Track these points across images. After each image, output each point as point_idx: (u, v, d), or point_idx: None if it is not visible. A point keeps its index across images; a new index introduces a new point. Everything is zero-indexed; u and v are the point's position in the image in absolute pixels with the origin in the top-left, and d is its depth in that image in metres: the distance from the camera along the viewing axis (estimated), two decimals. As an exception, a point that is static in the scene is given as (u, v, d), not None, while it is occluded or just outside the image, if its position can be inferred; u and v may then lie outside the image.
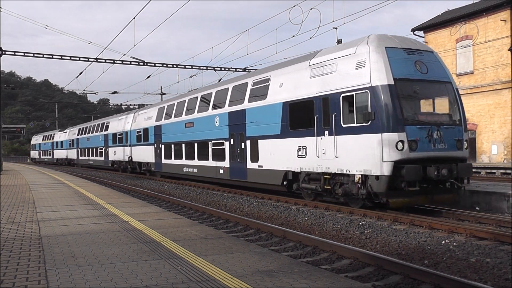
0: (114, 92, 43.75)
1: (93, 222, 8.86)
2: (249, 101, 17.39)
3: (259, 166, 16.76)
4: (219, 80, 27.50)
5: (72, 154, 53.30)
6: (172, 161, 25.03)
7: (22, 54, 28.08)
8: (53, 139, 64.13)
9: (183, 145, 23.41)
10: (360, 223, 11.26)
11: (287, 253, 8.53)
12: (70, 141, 54.34)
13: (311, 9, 19.57)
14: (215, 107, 20.14)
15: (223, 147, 19.34)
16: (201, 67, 32.06)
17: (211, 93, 20.84)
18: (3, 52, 26.90)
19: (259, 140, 16.70)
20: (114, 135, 36.64)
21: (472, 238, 9.28)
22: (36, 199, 13.35)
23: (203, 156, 21.21)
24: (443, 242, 9.12)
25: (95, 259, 5.81)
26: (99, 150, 42.04)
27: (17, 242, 7.03)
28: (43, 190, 16.66)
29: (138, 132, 30.87)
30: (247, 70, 31.48)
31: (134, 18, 23.92)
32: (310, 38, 22.86)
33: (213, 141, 20.20)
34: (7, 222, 9.00)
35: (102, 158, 41.05)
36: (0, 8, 25.39)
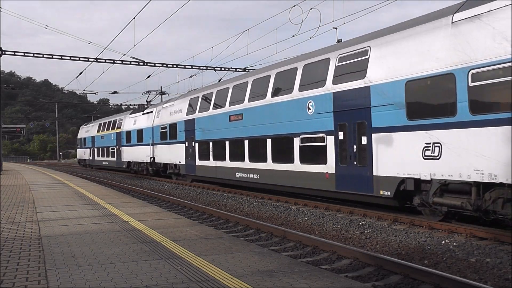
0: (114, 92, 43.72)
1: (93, 222, 8.86)
2: None
3: None
4: (219, 80, 27.30)
5: (172, 154, 25.51)
6: None
7: (22, 54, 28.09)
8: (120, 127, 35.99)
9: None
10: (360, 223, 11.26)
11: (287, 253, 8.53)
12: (163, 128, 26.89)
13: (311, 9, 19.57)
14: None
15: None
16: (201, 67, 32.06)
17: None
18: (3, 52, 26.89)
19: None
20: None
21: (472, 238, 9.28)
22: (36, 199, 13.34)
23: None
24: (443, 242, 9.12)
25: (95, 259, 5.81)
26: (281, 146, 15.92)
27: (17, 242, 7.03)
28: (43, 190, 16.66)
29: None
30: (247, 70, 31.47)
31: (134, 18, 23.92)
32: (310, 38, 22.81)
33: None
34: (7, 222, 9.00)
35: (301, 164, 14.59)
36: (0, 8, 25.38)
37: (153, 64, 30.97)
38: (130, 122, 33.95)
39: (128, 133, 34.03)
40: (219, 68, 32.00)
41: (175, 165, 25.32)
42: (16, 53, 27.84)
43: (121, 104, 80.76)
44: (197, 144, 22.20)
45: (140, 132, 31.33)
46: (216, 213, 13.48)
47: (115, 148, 37.40)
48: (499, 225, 9.64)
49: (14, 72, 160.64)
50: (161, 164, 27.82)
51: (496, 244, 8.73)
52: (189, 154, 23.19)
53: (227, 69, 32.23)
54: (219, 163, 19.94)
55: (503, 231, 9.20)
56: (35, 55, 28.43)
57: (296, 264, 5.56)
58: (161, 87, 38.75)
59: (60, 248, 6.49)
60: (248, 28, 24.89)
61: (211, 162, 20.73)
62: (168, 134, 25.99)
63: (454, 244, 8.90)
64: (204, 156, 21.49)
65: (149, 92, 37.11)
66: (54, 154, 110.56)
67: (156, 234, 7.51)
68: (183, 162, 23.97)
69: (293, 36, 22.41)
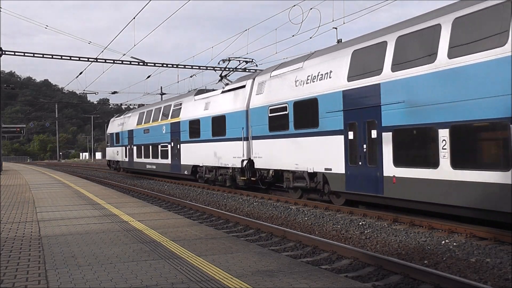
0: (114, 92, 43.80)
1: (93, 222, 8.86)
2: None
3: None
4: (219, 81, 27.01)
5: (304, 154, 14.44)
6: None
7: (22, 54, 28.09)
8: (178, 116, 24.96)
9: None
10: (360, 223, 11.26)
11: (287, 253, 8.53)
12: (275, 109, 15.89)
13: (311, 9, 19.56)
14: None
15: None
16: (201, 67, 32.07)
17: None
18: (3, 52, 26.90)
19: None
20: None
21: (472, 238, 9.28)
22: (36, 199, 13.34)
23: None
24: (443, 242, 9.12)
25: (95, 259, 5.81)
26: None
27: (17, 242, 7.03)
28: (43, 190, 16.66)
29: None
30: (247, 70, 31.48)
31: (134, 18, 23.92)
32: (310, 38, 22.82)
33: None
34: (7, 222, 9.00)
35: None
36: (0, 8, 25.39)
37: (153, 64, 30.99)
38: (198, 107, 22.47)
39: (195, 123, 22.56)
40: (219, 68, 31.99)
41: (314, 174, 14.15)
42: (16, 53, 27.84)
43: (121, 104, 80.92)
44: (388, 135, 11.33)
45: (219, 120, 19.99)
46: (216, 213, 13.48)
47: (169, 146, 25.83)
48: (499, 225, 9.63)
49: (14, 72, 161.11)
50: (268, 171, 16.74)
51: (496, 244, 8.73)
52: (363, 154, 12.05)
53: (227, 69, 32.19)
54: None
55: (503, 231, 9.20)
56: (35, 55, 28.44)
57: (296, 264, 5.56)
58: (161, 87, 38.15)
59: (60, 248, 6.49)
60: (248, 28, 24.89)
61: (445, 172, 9.89)
62: (292, 119, 14.90)
63: (454, 244, 8.91)
64: (415, 158, 10.71)
65: (227, 60, 22.39)
66: (54, 154, 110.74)
67: (156, 234, 7.51)
68: (339, 170, 12.83)
69: (293, 36, 22.41)
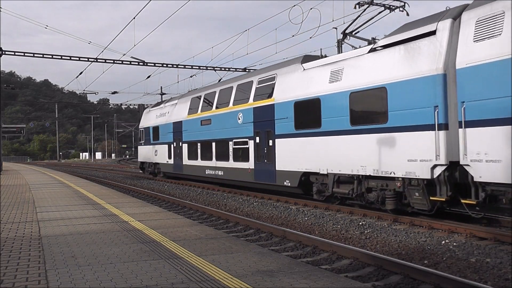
0: (114, 92, 43.79)
1: (93, 222, 8.86)
2: None
3: None
4: (219, 80, 26.93)
5: None
6: None
7: (22, 54, 28.09)
8: (270, 96, 16.17)
9: None
10: (360, 223, 11.26)
11: (287, 253, 8.53)
12: None
13: (311, 8, 19.54)
14: None
15: None
16: (201, 67, 32.08)
17: None
18: (3, 52, 26.90)
19: None
20: None
21: (472, 238, 9.28)
22: (36, 199, 13.34)
23: None
24: (443, 242, 9.12)
25: (95, 259, 5.81)
26: None
27: (17, 242, 7.03)
28: (43, 190, 16.66)
29: None
30: (246, 70, 31.49)
31: (134, 18, 23.92)
32: (310, 38, 22.81)
33: None
34: (7, 222, 9.00)
35: None
36: (0, 8, 25.40)
37: (153, 64, 31.00)
38: (313, 79, 14.18)
39: (307, 106, 14.32)
40: (219, 68, 32.02)
41: None
42: (16, 53, 27.84)
43: (121, 104, 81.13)
44: None
45: (369, 98, 11.98)
46: (216, 213, 13.48)
47: (251, 143, 17.58)
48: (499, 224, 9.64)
49: (14, 72, 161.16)
50: None
51: (496, 244, 8.73)
52: None
53: (227, 69, 32.24)
54: None
55: (503, 231, 9.20)
56: (35, 55, 28.44)
57: (296, 264, 5.56)
58: (161, 87, 38.01)
59: (60, 248, 6.49)
60: (248, 28, 24.88)
61: None
62: None
63: (454, 244, 8.91)
64: None
65: (365, 3, 14.74)
66: (54, 154, 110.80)
67: (156, 234, 7.51)
68: None
69: (293, 36, 22.40)
